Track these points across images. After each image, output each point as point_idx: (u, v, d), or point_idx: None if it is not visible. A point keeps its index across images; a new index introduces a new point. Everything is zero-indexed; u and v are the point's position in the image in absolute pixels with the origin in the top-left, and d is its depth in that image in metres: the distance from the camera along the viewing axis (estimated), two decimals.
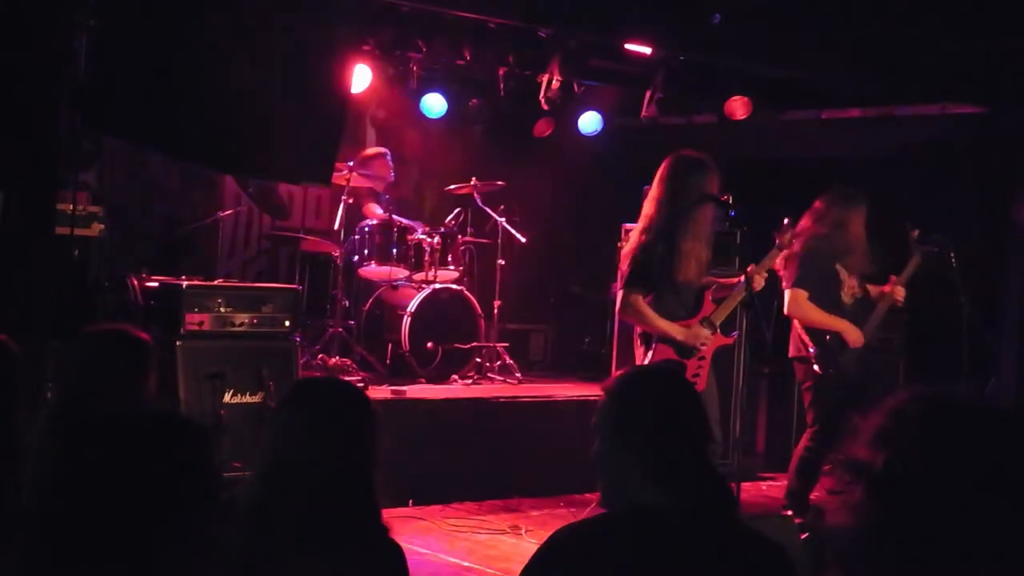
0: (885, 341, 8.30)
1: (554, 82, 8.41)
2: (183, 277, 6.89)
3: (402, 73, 8.50)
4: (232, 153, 5.65)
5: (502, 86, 8.56)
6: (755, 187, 6.78)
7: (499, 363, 8.53)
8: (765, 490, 7.78)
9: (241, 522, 2.43)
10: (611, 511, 2.49)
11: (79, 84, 5.55)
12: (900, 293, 6.38)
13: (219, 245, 8.28)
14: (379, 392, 7.31)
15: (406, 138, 9.71)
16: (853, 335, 6.12)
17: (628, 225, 5.74)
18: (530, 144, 9.69)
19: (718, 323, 5.51)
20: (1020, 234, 8.30)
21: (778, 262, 5.86)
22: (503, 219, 8.79)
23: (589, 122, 9.82)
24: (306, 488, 2.49)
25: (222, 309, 6.60)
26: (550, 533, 2.45)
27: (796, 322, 6.19)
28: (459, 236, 8.63)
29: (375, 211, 8.67)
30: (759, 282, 5.52)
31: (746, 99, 8.61)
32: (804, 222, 6.16)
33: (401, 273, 8.34)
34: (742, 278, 5.42)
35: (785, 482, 6.35)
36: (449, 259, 8.45)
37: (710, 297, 5.54)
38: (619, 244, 7.71)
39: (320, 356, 7.88)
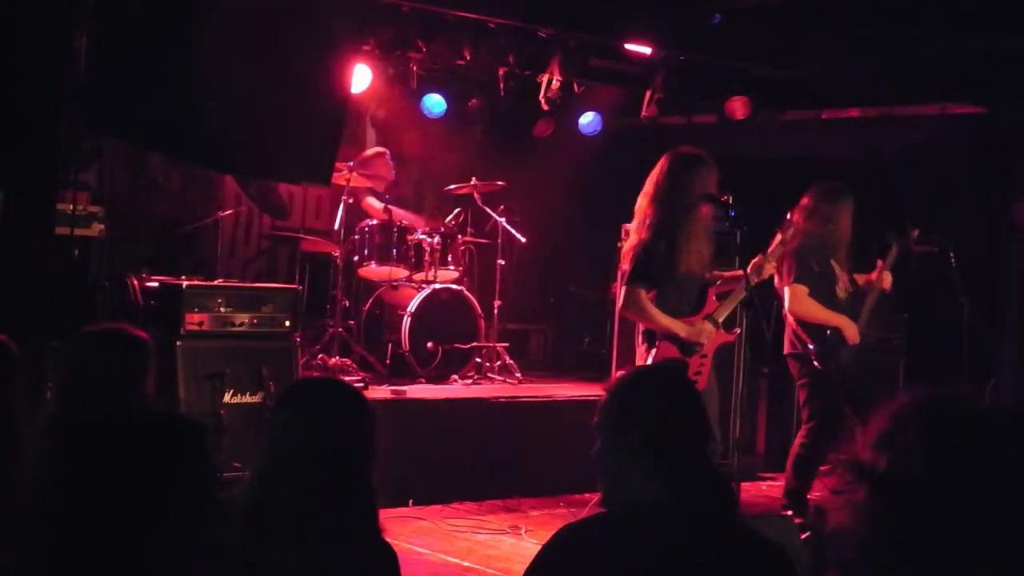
0: (885, 341, 8.31)
1: (554, 82, 8.40)
2: (183, 277, 6.89)
3: (402, 73, 8.50)
4: (232, 153, 5.65)
5: (502, 86, 8.56)
6: (755, 187, 6.77)
7: (499, 363, 8.53)
8: (765, 490, 7.78)
9: (238, 522, 2.43)
10: (613, 510, 2.49)
11: (79, 84, 5.55)
12: (887, 279, 6.39)
13: (219, 245, 8.27)
14: (379, 392, 7.31)
15: (406, 138, 9.70)
16: (852, 330, 6.13)
17: (628, 225, 5.73)
18: (530, 144, 9.69)
19: (721, 320, 5.51)
20: (1020, 234, 8.31)
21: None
22: (503, 219, 8.79)
23: (589, 122, 9.83)
24: (303, 488, 2.48)
25: (222, 309, 6.60)
26: (550, 533, 2.45)
27: (791, 319, 6.19)
28: (459, 236, 8.63)
29: (374, 204, 8.67)
30: (768, 271, 5.55)
31: (746, 99, 8.62)
32: (793, 218, 6.16)
33: (401, 273, 8.34)
34: (742, 272, 5.42)
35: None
36: (449, 259, 8.45)
37: (713, 294, 5.55)
38: (619, 244, 7.71)
39: (320, 356, 7.88)
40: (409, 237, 8.28)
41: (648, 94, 8.54)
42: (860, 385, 6.11)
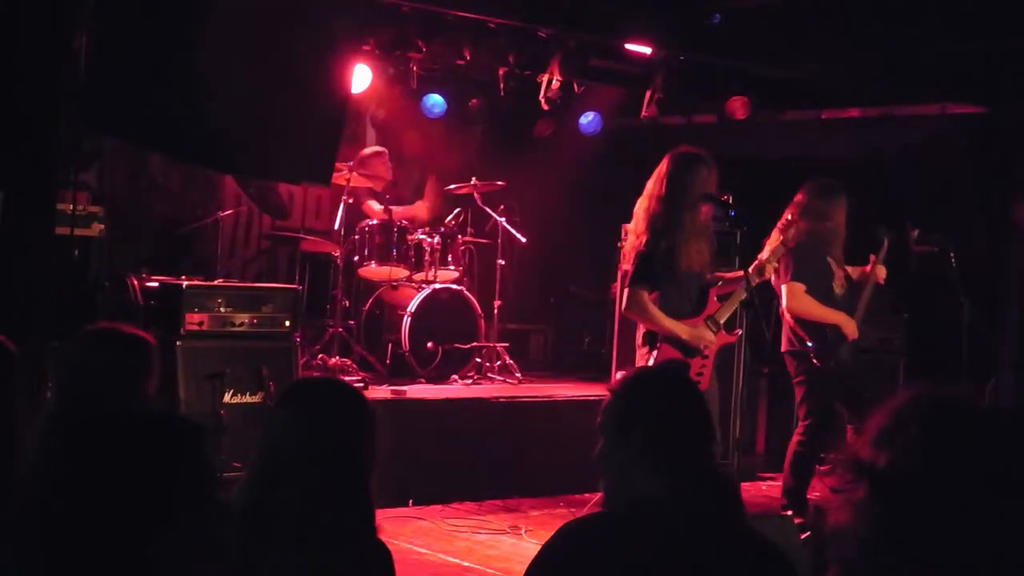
0: (885, 341, 8.31)
1: (554, 82, 8.40)
2: (183, 277, 6.90)
3: (402, 73, 8.50)
4: (232, 153, 5.65)
5: (502, 86, 8.56)
6: (755, 187, 6.78)
7: (499, 363, 8.53)
8: (765, 490, 7.77)
9: (238, 522, 2.43)
10: (614, 509, 2.49)
11: (79, 84, 5.55)
12: (881, 272, 6.39)
13: (219, 245, 8.27)
14: (379, 392, 7.31)
15: (406, 138, 9.70)
16: (850, 326, 6.14)
17: (628, 225, 5.74)
18: (530, 144, 9.69)
19: (722, 321, 5.52)
20: (1020, 234, 8.31)
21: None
22: (503, 219, 8.79)
23: (589, 122, 9.83)
24: (303, 488, 2.48)
25: (222, 309, 6.60)
26: (550, 533, 2.45)
27: (788, 316, 6.20)
28: (459, 236, 8.63)
29: (373, 207, 8.67)
30: (770, 272, 5.56)
31: (746, 99, 8.61)
32: (792, 218, 6.17)
33: (401, 273, 8.34)
34: (743, 273, 5.43)
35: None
36: (449, 259, 8.46)
37: (714, 296, 5.55)
38: (619, 244, 7.71)
39: (320, 356, 7.88)
40: (409, 237, 8.28)
41: (648, 94, 8.54)
42: (858, 382, 6.13)
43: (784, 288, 6.12)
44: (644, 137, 9.35)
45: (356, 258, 8.36)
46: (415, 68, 8.45)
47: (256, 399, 6.46)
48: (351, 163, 8.30)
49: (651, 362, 5.37)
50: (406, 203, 9.18)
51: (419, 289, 8.21)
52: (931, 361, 7.49)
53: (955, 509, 1.36)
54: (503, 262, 8.83)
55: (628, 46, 8.05)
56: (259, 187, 8.83)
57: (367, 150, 8.95)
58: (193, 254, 8.49)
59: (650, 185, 5.53)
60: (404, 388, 7.60)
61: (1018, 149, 8.38)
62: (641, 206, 5.52)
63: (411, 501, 6.82)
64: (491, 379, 8.34)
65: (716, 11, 7.38)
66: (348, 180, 8.21)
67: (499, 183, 8.78)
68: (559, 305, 10.49)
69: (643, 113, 8.67)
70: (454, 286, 8.37)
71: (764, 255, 5.75)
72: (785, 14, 7.46)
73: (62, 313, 5.76)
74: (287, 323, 6.84)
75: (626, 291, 5.49)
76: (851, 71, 8.16)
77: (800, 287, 6.09)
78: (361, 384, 7.03)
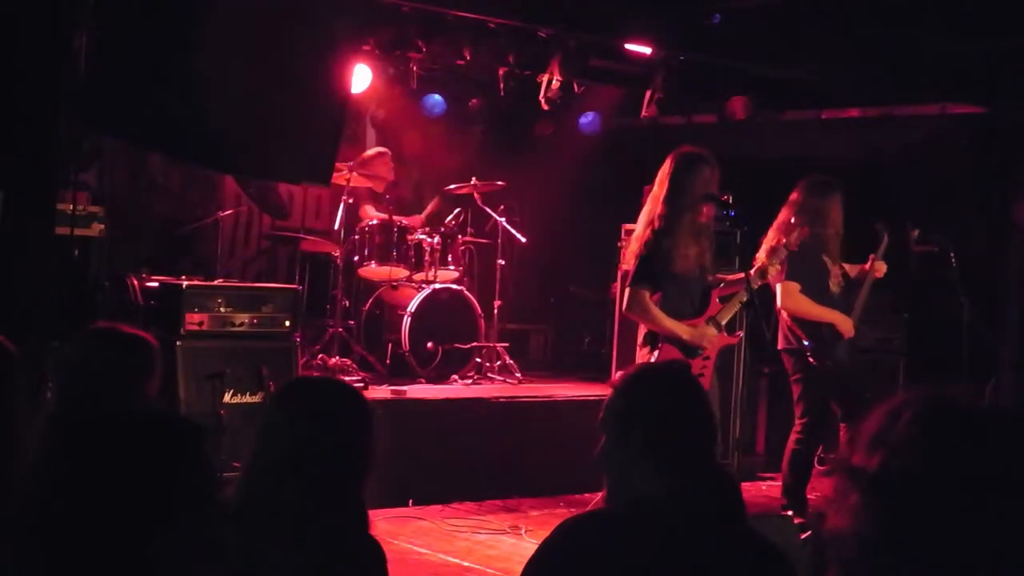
0: (885, 341, 8.32)
1: (554, 82, 8.41)
2: (183, 277, 6.90)
3: (402, 73, 8.50)
4: (232, 153, 5.65)
5: (502, 86, 8.56)
6: (755, 187, 6.78)
7: (499, 363, 8.53)
8: (765, 490, 7.77)
9: (237, 522, 2.43)
10: (614, 508, 2.49)
11: (79, 84, 5.55)
12: (881, 268, 6.37)
13: (219, 245, 8.27)
14: (379, 392, 7.31)
15: (406, 138, 9.70)
16: (846, 325, 6.15)
17: (628, 225, 5.74)
18: (530, 144, 9.70)
19: (723, 322, 5.52)
20: (1020, 234, 8.31)
21: (761, 257, 5.87)
22: (503, 219, 8.79)
23: (589, 122, 9.83)
24: (303, 488, 2.48)
25: (222, 309, 6.60)
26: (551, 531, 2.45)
27: (784, 314, 6.20)
28: (459, 236, 8.63)
29: (371, 213, 8.67)
30: (773, 273, 5.56)
31: (746, 99, 8.61)
32: (783, 215, 6.17)
33: (401, 273, 8.34)
34: (744, 275, 5.43)
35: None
36: (449, 259, 8.46)
37: (716, 297, 5.55)
38: (619, 244, 7.72)
39: (320, 356, 7.88)
40: (409, 237, 8.28)
41: (648, 94, 8.54)
42: (857, 381, 6.13)
43: (779, 287, 6.12)
44: (644, 137, 9.35)
45: (356, 258, 8.36)
46: (415, 68, 8.45)
47: (256, 399, 6.46)
48: (351, 163, 8.30)
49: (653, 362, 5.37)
50: (406, 203, 9.18)
51: (419, 289, 8.21)
52: (931, 361, 7.50)
53: (955, 509, 1.36)
54: (503, 262, 8.83)
55: (628, 46, 8.05)
56: (259, 187, 8.83)
57: (370, 151, 8.96)
58: (193, 254, 8.50)
59: (655, 186, 5.54)
60: (404, 388, 7.59)
61: (1018, 149, 8.38)
62: (649, 206, 5.53)
63: (411, 501, 6.81)
64: (491, 379, 8.34)
65: (716, 11, 7.38)
66: (348, 180, 8.21)
67: (499, 183, 8.78)
68: (559, 305, 10.49)
69: (643, 113, 8.67)
70: (454, 286, 8.37)
71: (762, 255, 5.75)
72: (785, 14, 7.46)
73: (62, 313, 5.76)
74: (287, 323, 6.84)
75: (627, 291, 5.49)
76: (851, 71, 8.16)
77: (795, 286, 6.09)
78: (361, 384, 7.02)
